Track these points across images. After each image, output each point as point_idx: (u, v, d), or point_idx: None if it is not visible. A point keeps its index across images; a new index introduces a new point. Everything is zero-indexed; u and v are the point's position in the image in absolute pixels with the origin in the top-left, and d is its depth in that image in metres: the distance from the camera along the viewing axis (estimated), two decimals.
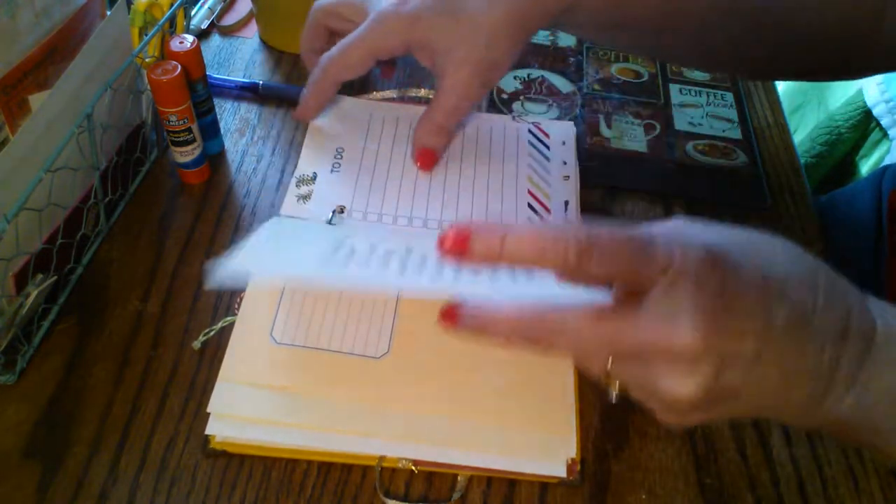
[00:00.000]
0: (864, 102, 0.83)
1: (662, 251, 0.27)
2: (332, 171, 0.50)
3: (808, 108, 0.98)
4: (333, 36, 0.51)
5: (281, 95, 0.58)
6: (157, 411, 0.39)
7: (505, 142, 0.54)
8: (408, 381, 0.39)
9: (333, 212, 0.46)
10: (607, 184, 0.54)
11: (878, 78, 0.82)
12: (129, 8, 0.47)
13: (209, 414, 0.38)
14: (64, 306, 0.44)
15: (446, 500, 0.37)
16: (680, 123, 0.59)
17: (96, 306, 0.44)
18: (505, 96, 0.60)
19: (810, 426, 0.31)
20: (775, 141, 0.59)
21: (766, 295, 0.28)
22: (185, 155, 0.49)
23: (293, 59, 0.62)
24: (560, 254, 0.27)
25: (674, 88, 0.62)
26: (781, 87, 0.93)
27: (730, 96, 0.62)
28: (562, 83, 0.62)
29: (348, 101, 0.56)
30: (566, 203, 0.50)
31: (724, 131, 0.59)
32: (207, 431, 0.37)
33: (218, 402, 0.38)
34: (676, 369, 0.28)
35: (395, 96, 0.59)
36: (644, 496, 0.38)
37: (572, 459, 0.38)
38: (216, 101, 0.56)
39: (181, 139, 0.48)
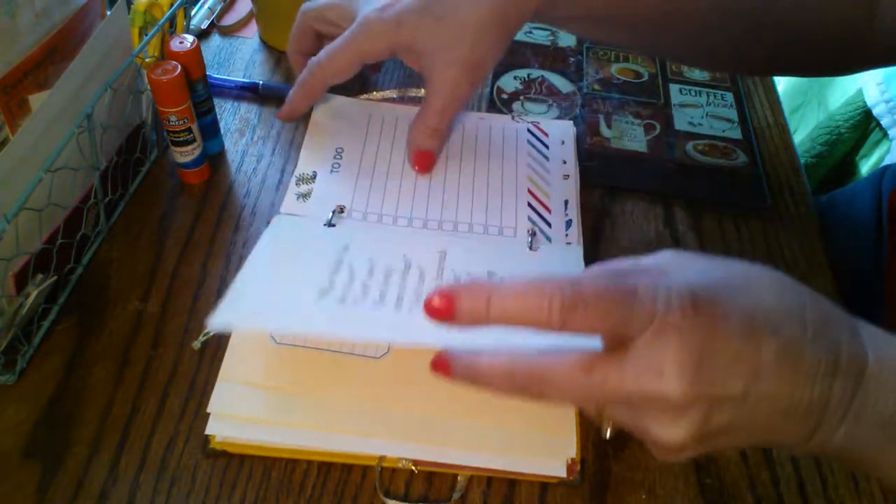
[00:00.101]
0: (864, 102, 0.83)
1: (646, 302, 0.28)
2: (331, 170, 0.50)
3: (808, 108, 0.98)
4: (321, 38, 0.51)
5: (281, 95, 0.58)
6: (157, 411, 0.39)
7: (504, 141, 0.54)
8: (408, 381, 0.39)
9: (333, 211, 0.46)
10: (607, 184, 0.54)
11: (879, 78, 0.82)
12: (129, 8, 0.47)
13: (209, 414, 0.38)
14: (64, 306, 0.44)
15: (446, 500, 0.37)
16: (680, 123, 0.59)
17: (96, 306, 0.44)
18: (505, 96, 0.60)
19: (805, 453, 0.31)
20: (775, 141, 0.59)
21: (754, 333, 0.28)
22: (185, 155, 0.49)
23: None
24: (544, 313, 0.28)
25: (674, 88, 0.62)
26: (781, 87, 0.93)
27: (730, 96, 0.62)
28: (562, 83, 0.62)
29: (348, 102, 0.56)
30: (566, 202, 0.50)
31: (724, 131, 0.59)
32: (207, 431, 0.37)
33: (218, 402, 0.38)
34: (665, 417, 0.28)
35: (395, 96, 0.59)
36: (644, 496, 0.38)
37: (572, 459, 0.38)
38: (216, 101, 0.56)
39: (181, 139, 0.48)
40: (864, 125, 0.83)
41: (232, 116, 0.57)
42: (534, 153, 0.53)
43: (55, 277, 0.42)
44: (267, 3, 0.62)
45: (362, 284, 0.40)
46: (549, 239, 0.47)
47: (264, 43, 0.64)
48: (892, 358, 0.29)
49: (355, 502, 0.37)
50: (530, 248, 0.45)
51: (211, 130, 0.52)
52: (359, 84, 0.59)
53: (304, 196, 0.48)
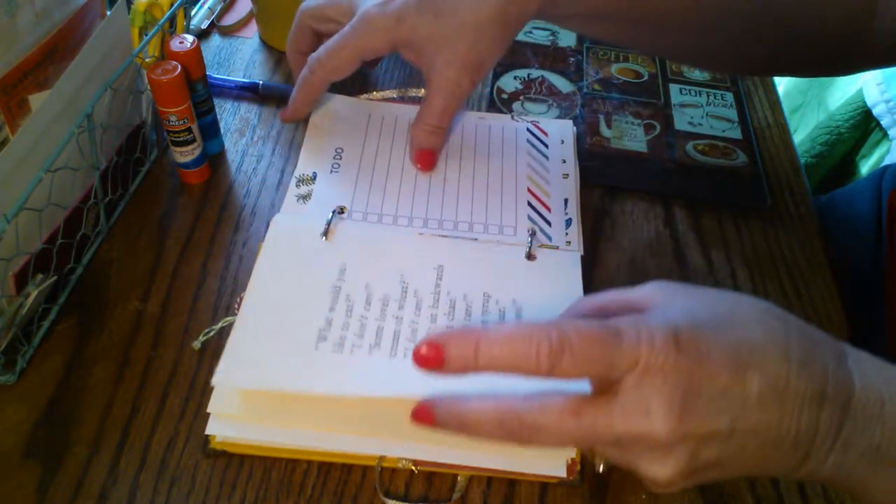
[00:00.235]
0: (864, 102, 0.83)
1: (630, 344, 0.28)
2: (331, 171, 0.50)
3: (808, 108, 0.98)
4: (320, 37, 0.51)
5: (281, 95, 0.58)
6: (157, 411, 0.39)
7: (504, 141, 0.54)
8: None
9: (333, 212, 0.46)
10: (607, 184, 0.54)
11: (879, 78, 0.82)
12: (129, 8, 0.47)
13: (209, 414, 0.38)
14: (64, 306, 0.44)
15: (446, 500, 0.37)
16: (680, 123, 0.59)
17: (96, 306, 0.44)
18: (505, 96, 0.60)
19: (797, 480, 0.31)
20: (775, 141, 0.59)
21: (738, 369, 0.28)
22: (185, 155, 0.49)
23: None
24: (532, 360, 0.28)
25: (674, 88, 0.62)
26: (781, 87, 0.93)
27: (730, 96, 0.62)
28: (562, 83, 0.62)
29: (347, 101, 0.56)
30: (566, 201, 0.50)
31: (724, 131, 0.59)
32: (207, 431, 0.37)
33: (218, 403, 0.38)
34: (654, 454, 0.29)
35: (395, 96, 0.59)
36: (644, 496, 0.38)
37: (572, 459, 0.38)
38: (216, 101, 0.56)
39: (181, 139, 0.48)
40: (864, 125, 0.83)
41: (232, 116, 0.57)
42: (533, 152, 0.53)
43: (55, 277, 0.42)
44: (267, 3, 0.62)
45: (359, 319, 0.41)
46: (549, 238, 0.47)
47: (264, 43, 0.64)
48: (879, 385, 0.30)
49: (355, 502, 0.37)
50: (528, 255, 0.45)
51: (211, 130, 0.52)
52: (359, 84, 0.59)
53: (305, 197, 0.48)
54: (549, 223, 0.48)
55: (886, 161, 0.79)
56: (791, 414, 0.28)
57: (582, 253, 0.47)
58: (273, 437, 0.37)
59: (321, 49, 0.47)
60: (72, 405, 0.39)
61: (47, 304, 0.42)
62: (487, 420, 0.30)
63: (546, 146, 0.54)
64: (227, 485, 0.37)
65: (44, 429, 0.38)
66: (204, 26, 0.65)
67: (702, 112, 0.60)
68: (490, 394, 0.31)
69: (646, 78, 0.63)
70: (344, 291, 0.42)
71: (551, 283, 0.44)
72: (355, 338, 0.40)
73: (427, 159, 0.50)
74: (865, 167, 0.84)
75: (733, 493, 0.39)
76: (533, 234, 0.47)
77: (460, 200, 0.49)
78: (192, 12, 0.65)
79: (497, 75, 0.62)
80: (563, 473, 0.37)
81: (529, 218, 0.48)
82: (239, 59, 0.62)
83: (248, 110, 0.58)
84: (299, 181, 0.49)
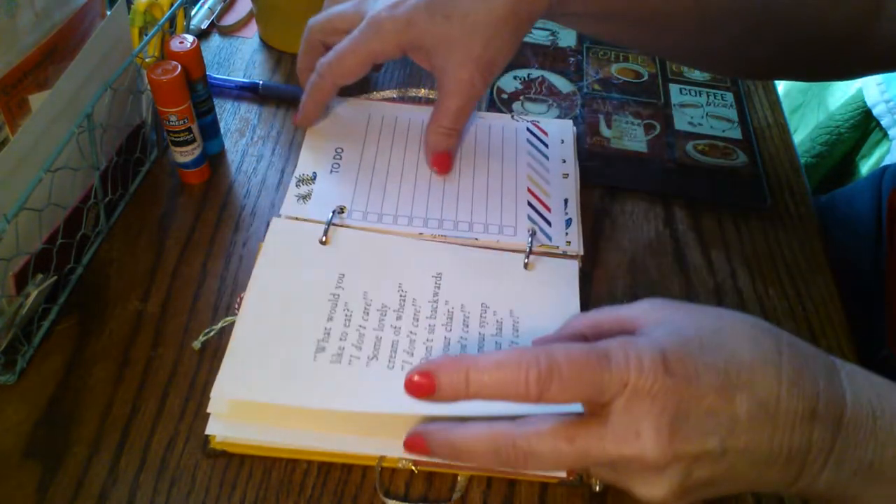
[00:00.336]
0: (864, 102, 0.83)
1: (619, 368, 0.29)
2: (331, 171, 0.50)
3: (808, 108, 0.98)
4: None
5: (281, 95, 0.58)
6: (157, 411, 0.39)
7: (504, 141, 0.54)
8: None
9: (334, 212, 0.46)
10: (607, 184, 0.54)
11: (878, 78, 0.82)
12: (129, 8, 0.47)
13: (209, 414, 0.38)
14: (64, 306, 0.44)
15: (446, 500, 0.37)
16: (680, 123, 0.59)
17: (96, 306, 0.44)
18: (505, 96, 0.60)
19: (790, 497, 0.31)
20: (775, 141, 0.59)
21: (727, 389, 0.29)
22: (185, 155, 0.49)
23: (293, 59, 0.62)
24: (521, 387, 0.29)
25: (674, 88, 0.62)
26: (781, 87, 0.93)
27: (730, 96, 0.62)
28: (562, 83, 0.62)
29: (347, 102, 0.56)
30: (566, 201, 0.50)
31: (724, 131, 0.59)
32: (207, 431, 0.37)
33: (218, 403, 0.38)
34: (646, 475, 0.29)
35: (395, 96, 0.59)
36: None
37: None
38: (216, 101, 0.56)
39: (181, 139, 0.48)
40: (864, 125, 0.84)
41: (232, 116, 0.57)
42: (533, 152, 0.53)
43: (55, 277, 0.42)
44: (267, 3, 0.62)
45: (357, 329, 0.41)
46: (549, 238, 0.47)
47: (264, 43, 0.64)
48: (871, 400, 0.30)
49: (355, 502, 0.37)
50: (527, 257, 0.45)
51: (211, 130, 0.52)
52: (359, 84, 0.59)
53: (305, 197, 0.48)
54: (549, 223, 0.48)
55: (886, 161, 0.79)
56: (782, 432, 0.29)
57: (581, 253, 0.47)
58: (273, 437, 0.37)
59: (331, 54, 0.47)
60: (72, 405, 0.39)
61: (47, 304, 0.42)
62: (481, 447, 0.31)
63: (546, 146, 0.54)
64: (227, 485, 0.37)
65: (44, 429, 0.38)
66: (204, 26, 0.65)
67: (702, 112, 0.60)
68: (483, 417, 0.32)
69: (646, 78, 0.63)
70: (342, 299, 0.42)
71: (549, 294, 0.44)
72: (353, 349, 0.40)
73: (443, 162, 0.50)
74: (865, 167, 0.84)
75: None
76: (533, 234, 0.47)
77: (460, 200, 0.49)
78: (192, 12, 0.65)
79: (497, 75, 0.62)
80: (563, 473, 0.37)
81: (529, 218, 0.48)
82: (239, 59, 0.62)
83: (248, 110, 0.58)
84: (299, 181, 0.49)
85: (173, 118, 0.47)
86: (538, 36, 0.67)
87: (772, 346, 0.30)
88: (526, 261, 0.45)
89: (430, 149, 0.49)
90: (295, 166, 0.51)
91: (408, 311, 0.42)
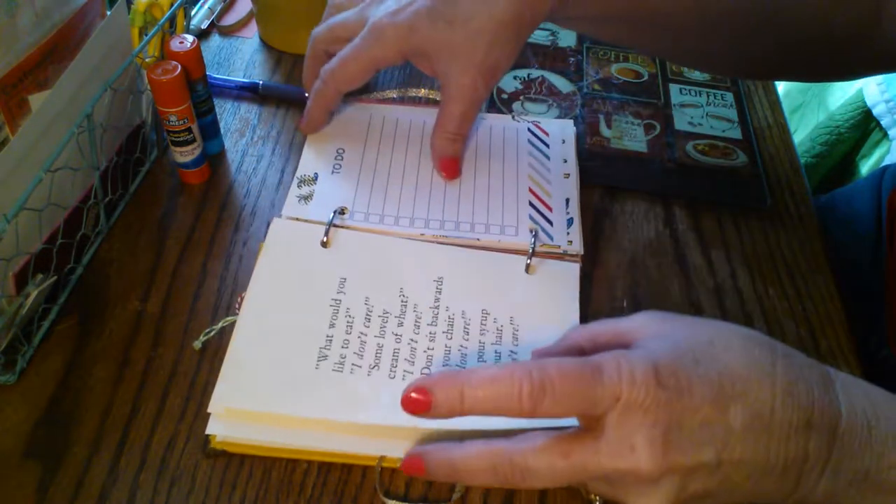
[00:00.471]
0: (864, 102, 0.83)
1: (611, 381, 0.29)
2: (332, 171, 0.50)
3: (808, 108, 0.98)
4: None
5: (281, 95, 0.58)
6: (157, 411, 0.39)
7: (505, 141, 0.54)
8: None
9: (335, 212, 0.46)
10: (607, 183, 0.54)
11: (878, 78, 0.82)
12: (129, 8, 0.47)
13: (209, 414, 0.38)
14: (64, 306, 0.44)
15: (446, 500, 0.37)
16: (680, 123, 0.59)
17: (96, 306, 0.44)
18: (505, 96, 0.60)
19: None
20: (775, 141, 0.59)
21: (720, 401, 0.29)
22: (185, 155, 0.49)
23: (293, 59, 0.62)
24: (515, 401, 0.29)
25: (674, 88, 0.62)
26: (781, 87, 0.93)
27: (730, 96, 0.62)
28: (562, 83, 0.62)
29: (348, 102, 0.56)
30: (567, 200, 0.50)
31: (724, 131, 0.59)
32: (207, 431, 0.37)
33: (218, 403, 0.38)
34: (641, 488, 0.29)
35: (395, 96, 0.59)
36: None
37: None
38: (216, 101, 0.56)
39: (181, 139, 0.48)
40: (864, 125, 0.84)
41: (232, 116, 0.57)
42: (535, 152, 0.53)
43: (55, 277, 0.42)
44: (267, 3, 0.62)
45: (359, 336, 0.41)
46: (550, 238, 0.47)
47: (264, 43, 0.64)
48: (865, 409, 0.30)
49: (355, 502, 0.37)
50: (529, 259, 0.45)
51: (211, 130, 0.52)
52: None
53: (306, 198, 0.48)
54: (550, 223, 0.48)
55: (886, 161, 0.80)
56: (778, 443, 0.29)
57: (582, 252, 0.47)
58: (273, 436, 0.37)
59: (334, 61, 0.47)
60: (72, 405, 0.39)
61: (47, 304, 0.42)
62: (478, 466, 0.31)
63: (547, 146, 0.54)
64: (227, 485, 0.37)
65: (44, 429, 0.38)
66: (204, 26, 0.65)
67: (702, 112, 0.60)
68: (480, 432, 0.32)
69: (646, 78, 0.63)
70: (344, 305, 0.42)
71: (549, 301, 0.44)
72: (355, 357, 0.40)
73: (451, 167, 0.50)
74: (865, 167, 0.84)
75: None
76: (535, 234, 0.47)
77: (462, 201, 0.49)
78: (192, 12, 0.65)
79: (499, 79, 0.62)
80: None
81: (531, 218, 0.48)
82: (239, 59, 0.62)
83: (248, 110, 0.58)
84: (301, 182, 0.49)
85: (173, 118, 0.47)
86: (538, 36, 0.67)
87: (766, 358, 0.30)
88: (528, 262, 0.45)
89: (437, 154, 0.49)
90: (295, 166, 0.51)
91: (409, 318, 0.42)
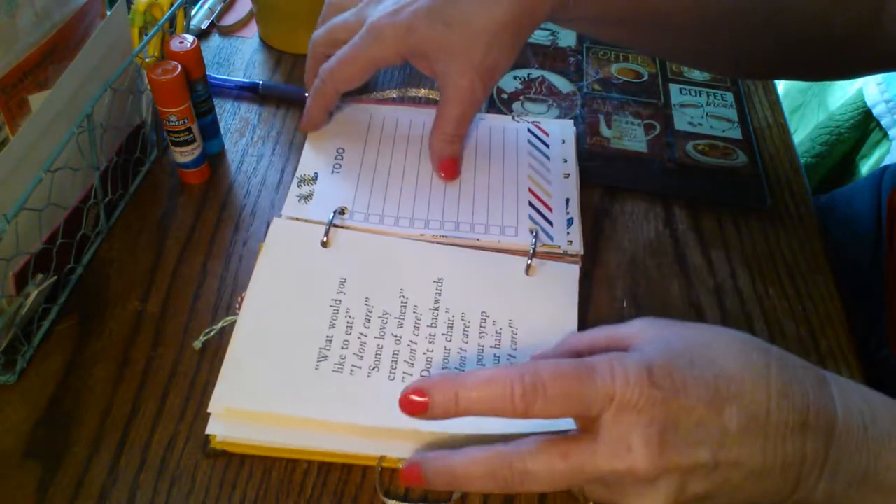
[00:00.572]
0: (864, 102, 0.83)
1: (603, 382, 0.29)
2: (332, 171, 0.50)
3: (808, 108, 0.98)
4: None
5: (281, 95, 0.58)
6: (157, 411, 0.39)
7: (505, 141, 0.54)
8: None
9: (335, 212, 0.46)
10: (607, 183, 0.54)
11: (878, 78, 0.82)
12: (129, 8, 0.47)
13: (209, 414, 0.38)
14: (64, 306, 0.44)
15: (446, 501, 0.37)
16: (680, 123, 0.59)
17: (96, 306, 0.44)
18: (505, 96, 0.60)
19: None
20: (775, 141, 0.59)
21: (715, 401, 0.29)
22: (185, 155, 0.49)
23: (293, 59, 0.62)
24: (508, 402, 0.30)
25: (674, 88, 0.62)
26: (781, 87, 0.93)
27: (730, 96, 0.62)
28: (562, 83, 0.62)
29: (348, 102, 0.56)
30: (567, 200, 0.50)
31: (724, 131, 0.59)
32: (207, 431, 0.37)
33: (218, 403, 0.38)
34: (639, 489, 0.29)
35: (395, 96, 0.59)
36: None
37: None
38: (216, 101, 0.56)
39: (181, 139, 0.48)
40: (864, 125, 0.84)
41: (232, 116, 0.57)
42: (535, 152, 0.53)
43: (55, 277, 0.42)
44: (267, 3, 0.62)
45: (359, 337, 0.41)
46: (550, 238, 0.47)
47: (264, 43, 0.64)
48: (861, 411, 0.30)
49: (355, 502, 0.37)
50: (528, 266, 0.45)
51: (211, 130, 0.52)
52: None
53: (306, 198, 0.48)
54: (550, 223, 0.48)
55: (886, 161, 0.80)
56: (774, 444, 0.29)
57: (582, 253, 0.47)
58: (273, 436, 0.37)
59: (333, 60, 0.47)
60: (72, 405, 0.39)
61: (47, 304, 0.42)
62: (477, 472, 0.31)
63: (547, 146, 0.54)
64: (227, 485, 0.37)
65: (44, 429, 0.38)
66: (204, 26, 0.65)
67: (702, 112, 0.60)
68: (479, 439, 0.33)
69: (646, 78, 0.63)
70: (344, 305, 0.42)
71: (548, 303, 0.44)
72: (355, 358, 0.40)
73: (451, 168, 0.50)
74: (865, 167, 0.84)
75: None
76: (535, 234, 0.47)
77: (461, 201, 0.49)
78: (192, 12, 0.65)
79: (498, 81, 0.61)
80: None
81: (531, 218, 0.48)
82: (239, 59, 0.62)
83: (248, 110, 0.58)
84: (301, 181, 0.49)
85: (173, 118, 0.47)
86: (538, 36, 0.67)
87: (760, 360, 0.30)
88: (529, 262, 0.45)
89: (436, 155, 0.49)
90: (295, 166, 0.51)
91: (409, 319, 0.42)
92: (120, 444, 0.38)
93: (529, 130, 0.55)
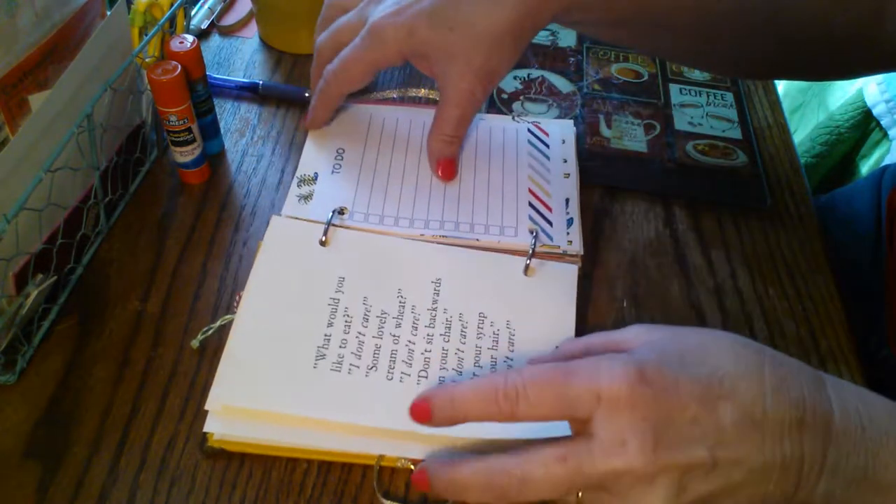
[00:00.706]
0: (864, 102, 0.83)
1: (585, 383, 0.29)
2: (332, 171, 0.50)
3: (808, 108, 0.98)
4: None
5: (281, 95, 0.58)
6: (157, 411, 0.39)
7: (505, 141, 0.54)
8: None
9: (334, 212, 0.46)
10: (607, 183, 0.54)
11: (878, 78, 0.82)
12: (129, 8, 0.47)
13: (207, 411, 0.38)
14: (64, 306, 0.44)
15: (446, 501, 0.37)
16: (680, 123, 0.59)
17: (96, 306, 0.44)
18: (505, 96, 0.60)
19: None
20: (775, 141, 0.59)
21: (709, 399, 0.29)
22: (185, 155, 0.49)
23: (293, 59, 0.62)
24: (494, 406, 0.30)
25: (674, 88, 0.62)
26: (781, 87, 0.93)
27: (730, 96, 0.62)
28: (562, 83, 0.62)
29: (348, 102, 0.56)
30: (567, 200, 0.50)
31: (724, 131, 0.59)
32: (205, 429, 0.37)
33: (215, 400, 0.38)
34: (639, 490, 0.29)
35: (395, 96, 0.59)
36: None
37: None
38: (216, 101, 0.56)
39: (181, 139, 0.48)
40: (864, 125, 0.84)
41: (232, 116, 0.57)
42: (534, 153, 0.53)
43: (55, 277, 0.42)
44: (267, 3, 0.62)
45: (357, 337, 0.41)
46: (550, 238, 0.47)
47: (264, 43, 0.64)
48: (858, 410, 0.30)
49: (355, 502, 0.37)
50: (527, 266, 0.45)
51: (211, 130, 0.52)
52: None
53: (306, 198, 0.48)
54: (550, 223, 0.48)
55: (886, 161, 0.79)
56: (772, 441, 0.29)
57: (582, 253, 0.47)
58: (271, 435, 0.37)
59: (336, 61, 0.47)
60: (72, 405, 0.39)
61: (47, 304, 0.42)
62: (478, 483, 0.31)
63: (547, 146, 0.54)
64: (227, 485, 0.37)
65: (44, 429, 0.38)
66: (204, 26, 0.65)
67: (702, 112, 0.60)
68: (478, 442, 0.34)
69: (646, 78, 0.63)
70: (342, 305, 0.42)
71: (546, 305, 0.44)
72: (353, 357, 0.40)
73: (448, 169, 0.50)
74: (865, 167, 0.84)
75: None
76: (535, 234, 0.47)
77: (461, 202, 0.49)
78: (192, 12, 0.65)
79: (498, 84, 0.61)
80: None
81: (531, 218, 0.48)
82: (239, 59, 0.62)
83: (248, 110, 0.58)
84: (301, 181, 0.49)
85: (173, 118, 0.47)
86: (538, 36, 0.66)
87: (754, 359, 0.30)
88: (528, 262, 0.45)
89: (433, 156, 0.49)
90: (295, 166, 0.51)
91: (407, 319, 0.42)
92: (120, 444, 0.38)
93: (529, 130, 0.55)
